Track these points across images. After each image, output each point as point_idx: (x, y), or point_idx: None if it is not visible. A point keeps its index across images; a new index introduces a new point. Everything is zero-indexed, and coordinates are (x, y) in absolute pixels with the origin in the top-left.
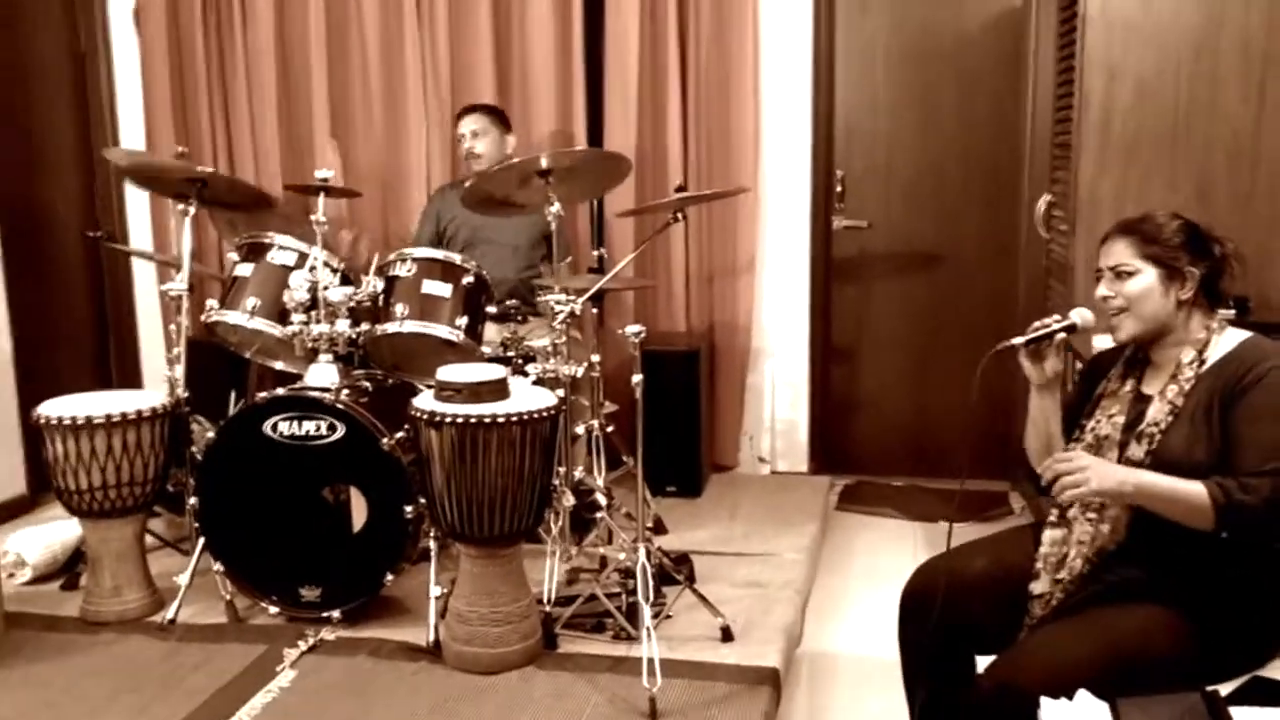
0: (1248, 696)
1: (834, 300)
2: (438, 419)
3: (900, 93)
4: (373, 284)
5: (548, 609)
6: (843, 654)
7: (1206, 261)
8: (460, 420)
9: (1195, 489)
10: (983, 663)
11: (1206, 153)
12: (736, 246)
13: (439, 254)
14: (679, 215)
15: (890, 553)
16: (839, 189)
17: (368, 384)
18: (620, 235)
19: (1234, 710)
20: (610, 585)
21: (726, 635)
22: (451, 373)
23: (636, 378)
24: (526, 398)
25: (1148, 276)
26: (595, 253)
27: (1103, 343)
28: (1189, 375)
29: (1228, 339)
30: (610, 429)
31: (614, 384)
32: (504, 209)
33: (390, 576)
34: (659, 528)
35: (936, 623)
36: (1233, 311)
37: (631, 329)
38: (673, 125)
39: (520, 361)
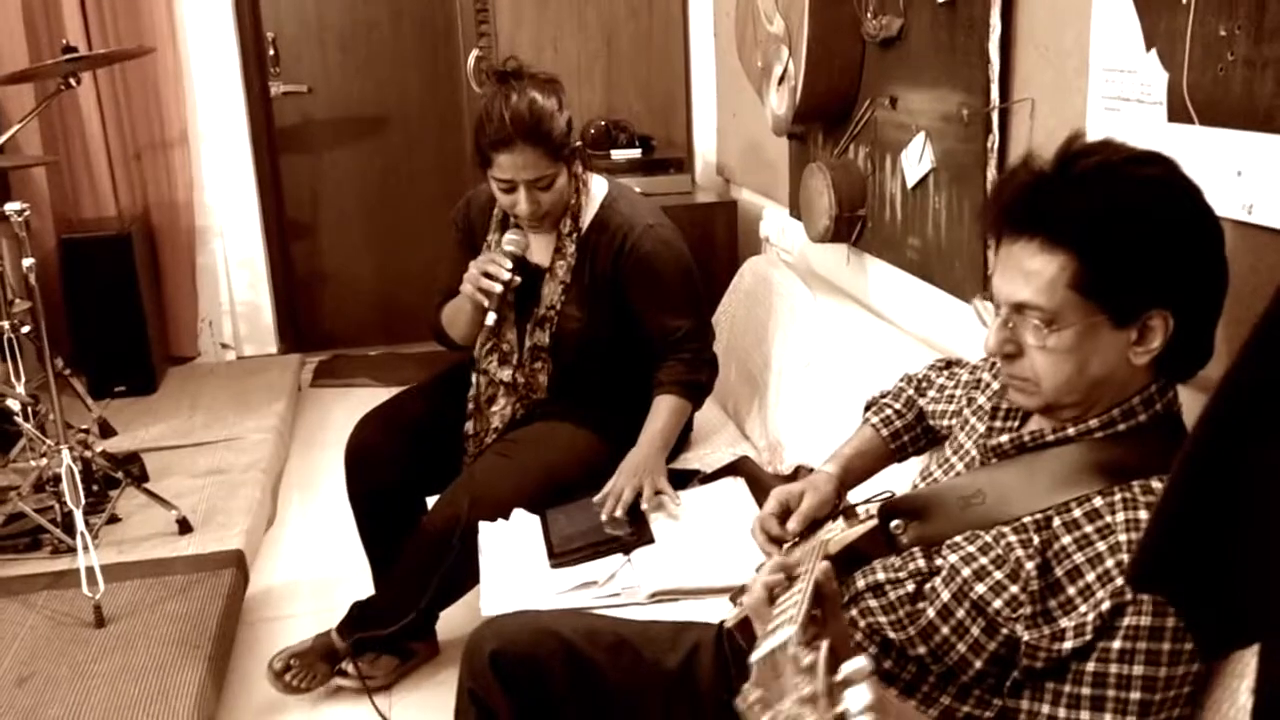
0: None
1: (283, 172)
2: None
3: None
4: None
5: None
6: (319, 526)
7: (577, 130)
8: None
9: (676, 404)
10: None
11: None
12: (163, 117)
13: None
14: (71, 81)
15: None
16: (271, 51)
17: None
18: (18, 105)
19: None
20: (42, 499)
21: (184, 527)
22: None
23: (28, 261)
24: None
25: (562, 175)
26: None
27: None
28: (571, 249)
29: (594, 196)
30: (26, 329)
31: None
32: None
33: None
34: (104, 430)
35: (381, 471)
36: (637, 151)
37: (12, 206)
38: None
39: None
